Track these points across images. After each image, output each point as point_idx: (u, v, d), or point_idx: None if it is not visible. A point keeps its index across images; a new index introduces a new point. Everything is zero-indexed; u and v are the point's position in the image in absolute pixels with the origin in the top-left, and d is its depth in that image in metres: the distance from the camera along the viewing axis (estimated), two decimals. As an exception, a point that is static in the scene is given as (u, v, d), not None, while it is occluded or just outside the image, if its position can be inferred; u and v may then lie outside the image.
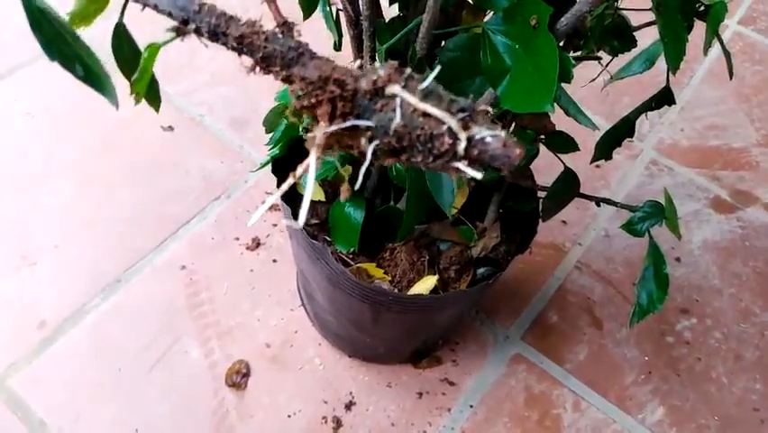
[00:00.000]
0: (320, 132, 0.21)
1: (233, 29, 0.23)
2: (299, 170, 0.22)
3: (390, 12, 0.51)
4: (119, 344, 0.72)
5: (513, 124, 0.56)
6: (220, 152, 0.89)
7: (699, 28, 0.45)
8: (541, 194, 0.60)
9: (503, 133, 0.20)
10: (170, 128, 0.91)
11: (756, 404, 0.75)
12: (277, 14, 0.25)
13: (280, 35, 0.23)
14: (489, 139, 0.20)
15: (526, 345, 0.77)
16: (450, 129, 0.20)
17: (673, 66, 0.42)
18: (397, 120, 0.21)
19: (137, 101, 0.33)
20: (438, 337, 0.73)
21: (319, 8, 0.52)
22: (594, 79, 0.56)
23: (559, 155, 0.57)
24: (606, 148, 0.58)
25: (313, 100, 0.22)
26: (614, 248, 0.86)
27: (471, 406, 0.72)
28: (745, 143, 1.00)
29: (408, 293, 0.59)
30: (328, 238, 0.59)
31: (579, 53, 0.49)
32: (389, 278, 0.60)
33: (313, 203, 0.62)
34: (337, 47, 0.54)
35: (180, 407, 0.69)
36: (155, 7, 0.24)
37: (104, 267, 0.77)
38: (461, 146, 0.20)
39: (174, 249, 0.80)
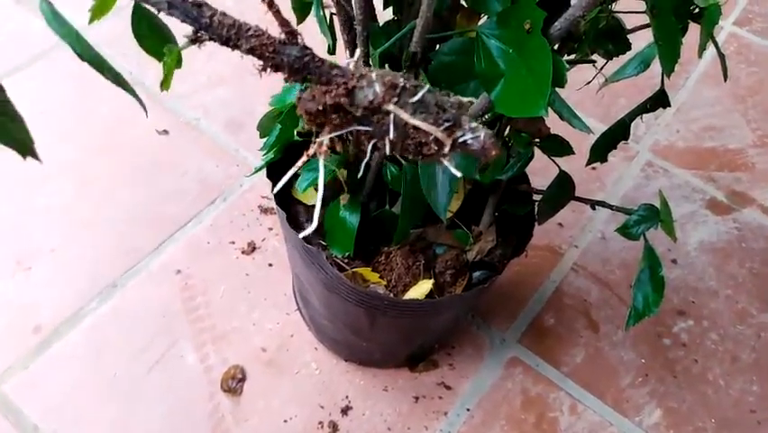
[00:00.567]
0: (326, 138, 0.25)
1: (243, 42, 0.25)
2: (311, 149, 0.26)
3: (384, 15, 0.51)
4: (114, 348, 0.72)
5: (508, 128, 0.56)
6: (216, 155, 0.89)
7: (694, 30, 0.45)
8: (536, 197, 0.60)
9: (482, 134, 0.24)
10: (165, 132, 0.91)
11: (753, 406, 0.75)
12: (280, 21, 0.25)
13: (287, 44, 0.25)
14: (470, 141, 0.24)
15: (523, 349, 0.76)
16: (436, 139, 0.24)
17: (668, 69, 0.42)
18: (391, 135, 0.24)
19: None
20: (434, 341, 0.73)
21: (313, 12, 0.52)
22: (589, 82, 0.56)
23: (554, 158, 0.57)
24: (601, 151, 0.58)
25: (318, 121, 0.26)
26: (610, 250, 0.86)
27: (468, 409, 0.71)
28: (741, 144, 1.00)
29: (404, 298, 0.59)
30: (323, 243, 0.59)
31: (573, 57, 0.49)
32: (385, 282, 0.60)
33: (307, 207, 0.62)
34: (331, 51, 0.54)
35: (176, 411, 0.68)
36: (168, 12, 0.26)
37: (100, 271, 0.77)
38: (446, 149, 0.24)
39: (170, 252, 0.79)
